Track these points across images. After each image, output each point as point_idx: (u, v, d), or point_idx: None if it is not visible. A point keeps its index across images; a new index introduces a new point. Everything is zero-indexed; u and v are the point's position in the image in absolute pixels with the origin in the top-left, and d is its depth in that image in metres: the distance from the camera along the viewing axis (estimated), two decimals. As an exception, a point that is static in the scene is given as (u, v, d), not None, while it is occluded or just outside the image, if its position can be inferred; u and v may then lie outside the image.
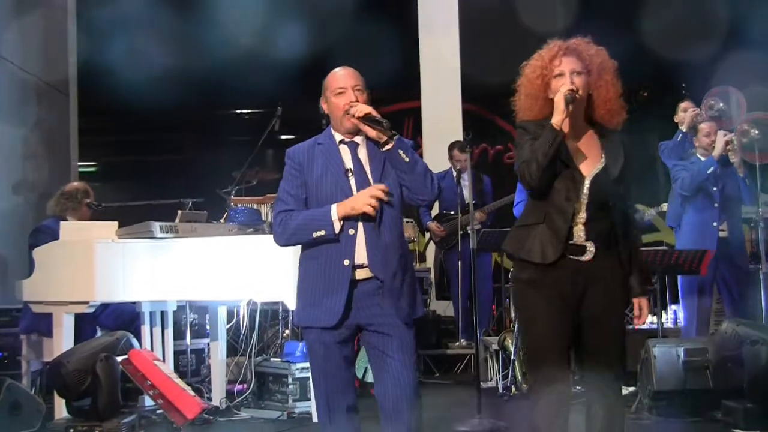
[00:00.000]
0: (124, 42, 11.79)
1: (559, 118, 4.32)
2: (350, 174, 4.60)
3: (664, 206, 9.35)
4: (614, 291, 4.46)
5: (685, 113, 8.60)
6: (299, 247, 4.66)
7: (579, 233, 4.41)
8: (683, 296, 8.30)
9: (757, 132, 8.13)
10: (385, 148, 4.52)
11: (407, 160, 4.51)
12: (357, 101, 4.59)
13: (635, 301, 4.56)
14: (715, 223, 8.03)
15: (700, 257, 7.61)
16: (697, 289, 8.10)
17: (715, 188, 8.04)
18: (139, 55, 11.91)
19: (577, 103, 4.37)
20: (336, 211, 4.47)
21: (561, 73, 4.44)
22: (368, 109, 4.54)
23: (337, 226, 4.47)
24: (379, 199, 4.45)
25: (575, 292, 4.41)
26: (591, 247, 4.40)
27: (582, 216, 4.40)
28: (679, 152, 8.48)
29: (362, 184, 4.56)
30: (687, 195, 8.13)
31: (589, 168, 4.44)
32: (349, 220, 4.49)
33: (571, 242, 4.40)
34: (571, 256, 4.40)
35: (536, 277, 4.42)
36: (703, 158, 8.14)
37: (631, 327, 8.77)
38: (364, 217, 4.48)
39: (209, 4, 11.83)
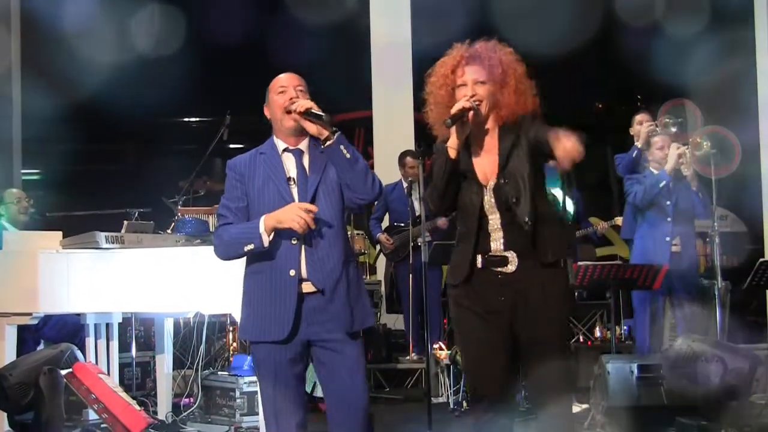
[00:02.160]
0: (68, 48, 11.60)
1: (453, 142, 4.25)
2: (292, 183, 4.56)
3: (618, 220, 9.35)
4: (549, 308, 4.32)
5: (640, 126, 8.59)
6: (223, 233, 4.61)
7: (496, 243, 4.32)
8: (636, 311, 8.28)
9: (709, 145, 8.11)
10: (326, 145, 4.47)
11: (348, 156, 4.45)
12: (298, 98, 4.55)
13: (550, 136, 4.22)
14: (667, 238, 8.02)
15: (654, 272, 7.58)
16: (650, 304, 8.07)
17: (668, 202, 8.03)
18: (84, 61, 11.73)
19: (479, 114, 4.31)
20: (264, 223, 4.42)
21: (464, 83, 4.35)
22: (309, 104, 4.49)
23: (266, 239, 4.43)
24: (310, 212, 4.39)
25: (505, 306, 4.30)
26: (512, 257, 4.30)
27: (496, 226, 4.32)
28: (634, 167, 8.46)
29: (304, 192, 4.54)
30: (640, 208, 8.11)
31: (491, 175, 4.35)
32: (286, 230, 4.43)
33: (489, 254, 4.31)
34: (493, 268, 4.31)
35: (461, 294, 4.35)
36: (656, 171, 8.12)
37: (584, 343, 8.83)
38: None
39: (156, 10, 11.68)
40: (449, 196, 4.30)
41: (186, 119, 14.44)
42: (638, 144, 8.56)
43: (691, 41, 11.08)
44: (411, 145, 10.56)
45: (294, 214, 4.36)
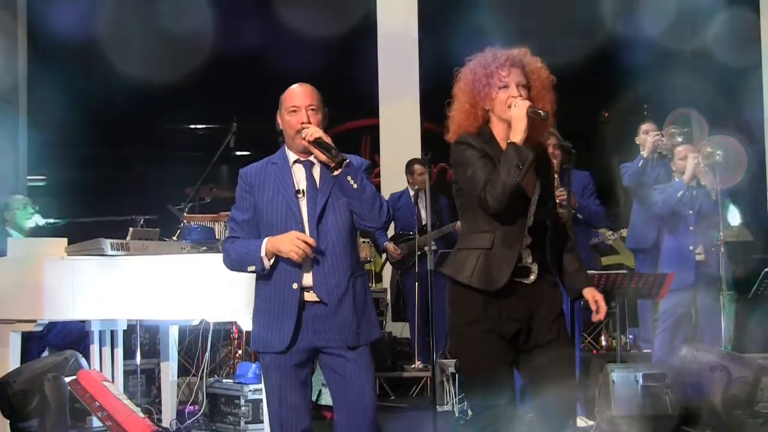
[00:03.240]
0: (75, 54, 11.62)
1: (521, 137, 4.19)
2: (300, 195, 4.61)
3: (624, 232, 9.35)
4: (557, 315, 4.40)
5: (646, 135, 8.59)
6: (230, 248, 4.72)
7: (526, 255, 4.33)
8: (662, 321, 8.24)
9: (721, 154, 8.10)
10: (333, 174, 4.53)
11: (355, 187, 4.52)
12: (309, 122, 4.59)
13: (588, 293, 4.47)
14: (691, 247, 8.01)
15: (660, 281, 7.56)
16: (674, 315, 8.05)
17: (690, 211, 8.04)
18: (91, 67, 11.75)
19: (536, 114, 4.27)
20: (265, 247, 4.50)
21: (506, 85, 4.32)
22: (318, 133, 4.54)
23: (266, 263, 4.52)
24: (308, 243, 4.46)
25: (521, 317, 4.33)
26: (535, 268, 4.34)
27: (527, 238, 4.33)
28: (639, 177, 8.46)
29: (313, 205, 4.59)
30: (663, 217, 8.11)
31: (531, 190, 4.35)
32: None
33: (519, 264, 4.31)
34: (516, 278, 4.31)
35: (479, 302, 4.30)
36: (678, 180, 8.12)
37: (590, 352, 8.81)
38: (309, 229, 4.54)
39: (164, 16, 11.68)
40: (512, 195, 4.21)
41: (192, 126, 14.43)
42: (644, 153, 8.56)
43: (698, 51, 11.08)
44: (417, 153, 10.58)
45: (292, 245, 4.45)
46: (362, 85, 11.83)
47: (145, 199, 10.27)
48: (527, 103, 4.22)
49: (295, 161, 4.69)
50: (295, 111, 4.63)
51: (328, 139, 4.53)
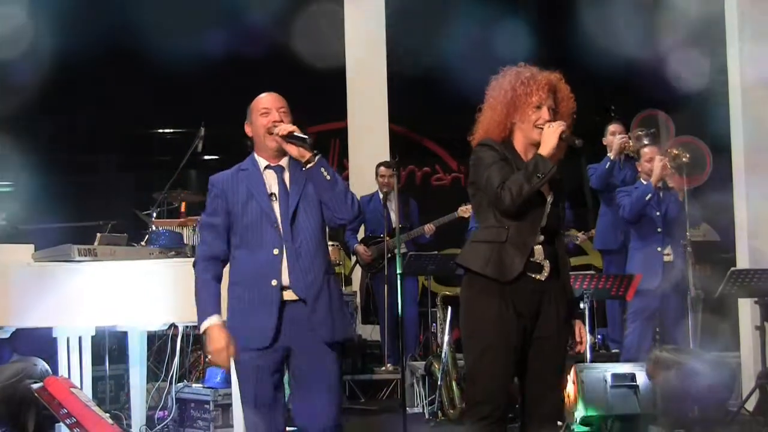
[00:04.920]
0: (41, 58, 11.54)
1: (548, 152, 4.37)
2: (274, 199, 4.68)
3: (593, 232, 9.40)
4: (564, 312, 4.52)
5: (613, 136, 8.64)
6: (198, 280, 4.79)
7: (538, 252, 4.47)
8: (631, 321, 8.29)
9: (687, 156, 8.17)
10: (307, 167, 4.61)
11: (329, 177, 4.61)
12: (281, 121, 4.67)
13: (577, 324, 4.67)
14: (659, 248, 8.08)
15: (627, 282, 7.61)
16: (642, 315, 8.11)
17: (657, 213, 8.10)
18: (57, 71, 11.67)
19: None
20: (208, 324, 4.59)
21: (539, 106, 4.47)
22: (291, 127, 4.62)
23: (202, 329, 4.63)
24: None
25: (531, 312, 4.44)
26: (547, 266, 4.47)
27: (540, 237, 4.47)
28: (607, 179, 8.50)
29: (285, 207, 4.67)
30: (630, 222, 8.17)
31: (547, 194, 4.52)
32: (271, 240, 4.63)
33: (531, 259, 4.44)
34: (529, 273, 4.43)
35: (493, 293, 4.43)
36: (645, 182, 8.17)
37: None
38: (285, 238, 4.61)
39: (134, 17, 11.64)
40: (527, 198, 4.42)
41: (160, 131, 14.39)
42: (611, 155, 8.61)
43: (664, 52, 11.13)
44: (386, 156, 10.58)
45: (224, 358, 4.56)
46: (330, 89, 11.82)
47: (112, 204, 10.25)
48: (563, 125, 4.39)
49: (266, 167, 4.75)
50: (266, 113, 4.71)
51: (301, 133, 4.61)
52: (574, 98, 4.60)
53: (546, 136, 4.39)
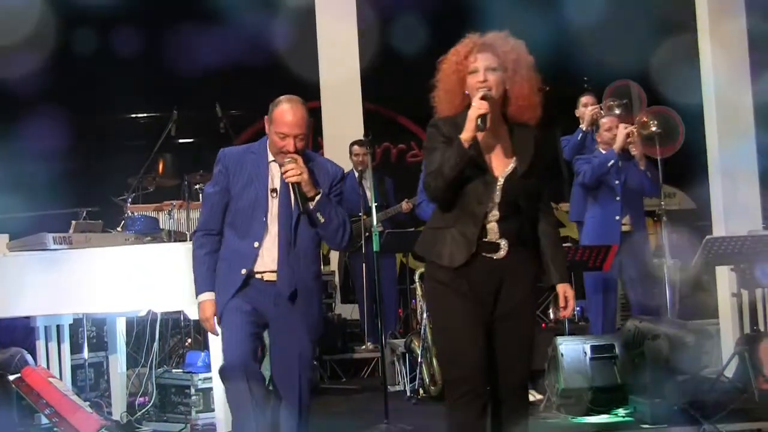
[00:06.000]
0: (14, 45, 11.46)
1: (468, 136, 4.25)
2: (275, 195, 4.91)
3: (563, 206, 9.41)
4: (527, 288, 4.47)
5: (585, 108, 8.64)
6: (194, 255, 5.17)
7: (492, 231, 4.39)
8: (589, 293, 8.33)
9: (656, 124, 8.18)
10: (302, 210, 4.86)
11: (322, 221, 4.88)
12: (294, 152, 4.83)
13: (560, 288, 4.54)
14: (617, 217, 8.10)
15: (604, 253, 7.62)
16: (602, 286, 8.13)
17: (617, 181, 8.11)
18: (26, 56, 11.59)
19: (491, 100, 4.31)
20: (199, 300, 5.09)
21: (475, 70, 4.37)
22: (296, 179, 4.80)
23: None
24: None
25: (490, 290, 4.40)
26: (504, 244, 4.38)
27: (495, 214, 4.38)
28: (580, 149, 8.50)
29: (285, 206, 4.90)
30: (589, 187, 8.17)
31: (501, 168, 4.41)
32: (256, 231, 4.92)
33: (484, 239, 4.38)
34: (485, 254, 4.37)
35: (450, 277, 4.39)
36: (604, 152, 8.17)
37: (538, 325, 8.86)
38: (282, 231, 4.91)
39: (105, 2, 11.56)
40: (454, 185, 4.33)
41: (133, 115, 14.31)
42: (583, 126, 8.61)
43: (634, 23, 11.14)
44: (360, 135, 10.54)
45: (207, 323, 5.08)
46: (302, 68, 11.77)
47: (87, 190, 10.19)
48: (482, 106, 4.25)
49: (273, 160, 4.95)
50: (283, 137, 4.84)
51: (306, 186, 4.82)
52: (521, 50, 4.44)
53: (468, 117, 4.28)
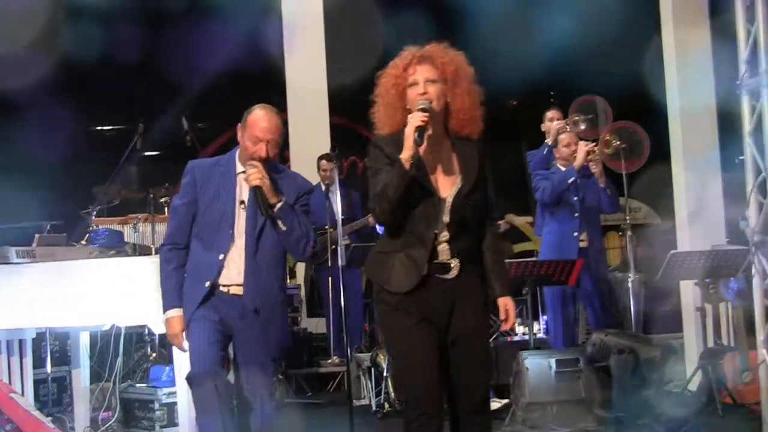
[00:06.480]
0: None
1: (408, 154, 4.16)
2: (243, 207, 4.92)
3: (513, 218, 9.46)
4: (480, 306, 4.44)
5: (551, 122, 8.67)
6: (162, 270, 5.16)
7: (443, 252, 4.32)
8: (549, 308, 8.38)
9: (619, 142, 8.23)
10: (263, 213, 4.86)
11: (284, 229, 4.87)
12: (263, 157, 4.87)
13: (500, 302, 4.48)
14: (575, 233, 8.13)
15: (569, 268, 7.65)
16: (560, 301, 8.16)
17: (575, 198, 8.14)
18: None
19: (434, 113, 4.24)
20: (166, 317, 5.07)
21: (415, 82, 4.30)
22: (258, 182, 4.81)
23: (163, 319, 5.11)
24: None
25: (443, 311, 4.34)
26: (455, 263, 4.32)
27: (445, 235, 4.31)
28: (546, 164, 8.53)
29: (252, 218, 4.90)
30: (548, 205, 8.20)
31: (448, 188, 4.34)
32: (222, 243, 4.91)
33: (435, 261, 4.31)
34: (437, 275, 4.31)
35: (399, 300, 4.32)
36: (563, 168, 8.20)
37: (504, 339, 8.89)
38: (248, 250, 4.92)
39: (72, 16, 11.52)
40: (401, 206, 4.23)
41: (99, 128, 14.24)
42: (549, 141, 8.64)
43: (602, 38, 11.20)
44: (327, 148, 10.53)
45: (174, 339, 5.09)
46: (269, 81, 11.77)
47: (51, 204, 10.12)
48: (419, 118, 4.17)
49: (242, 172, 4.95)
50: (256, 141, 4.87)
51: (266, 190, 4.83)
52: (459, 61, 4.37)
53: (405, 137, 4.18)
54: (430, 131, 4.21)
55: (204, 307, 4.92)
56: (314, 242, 5.05)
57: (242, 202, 4.92)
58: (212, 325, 4.91)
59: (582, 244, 8.14)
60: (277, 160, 5.07)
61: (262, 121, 4.90)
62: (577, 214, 8.15)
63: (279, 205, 4.85)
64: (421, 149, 4.19)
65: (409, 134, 4.15)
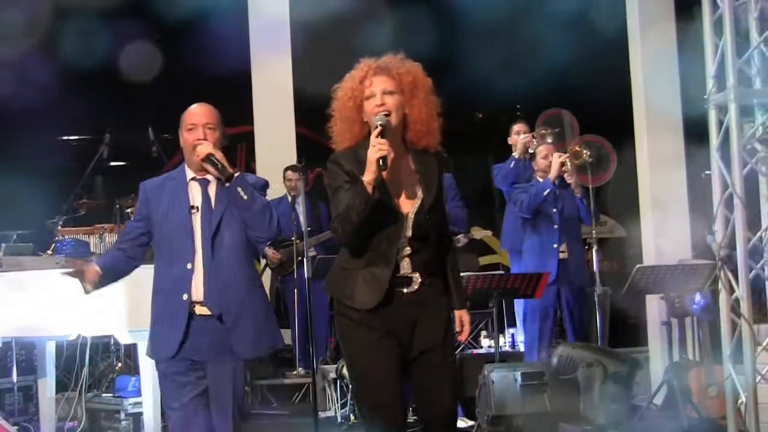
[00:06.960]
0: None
1: (370, 177, 4.11)
2: (195, 211, 4.82)
3: (477, 231, 9.48)
4: (443, 319, 4.42)
5: (518, 136, 8.70)
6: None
7: (405, 266, 4.30)
8: (525, 320, 8.38)
9: (588, 153, 8.27)
10: (225, 185, 4.73)
11: (245, 198, 4.71)
12: (205, 139, 4.77)
13: (457, 314, 4.50)
14: (555, 245, 8.15)
15: (536, 281, 7.67)
16: (540, 314, 8.16)
17: (554, 209, 8.17)
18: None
19: (392, 125, 4.22)
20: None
21: (372, 94, 4.27)
22: (208, 150, 4.74)
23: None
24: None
25: (406, 325, 4.31)
26: (416, 277, 4.31)
27: (407, 250, 4.29)
28: (512, 178, 8.56)
29: (208, 221, 4.80)
30: (527, 217, 8.23)
31: (410, 204, 4.32)
32: (185, 253, 4.81)
33: (396, 275, 4.28)
34: (398, 289, 4.29)
35: (361, 315, 4.29)
36: (541, 180, 8.23)
37: (469, 352, 8.91)
38: (205, 252, 4.78)
39: (39, 20, 11.46)
40: (364, 227, 4.18)
41: (65, 137, 14.16)
42: (516, 154, 8.67)
43: (568, 51, 11.26)
44: (293, 159, 10.53)
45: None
46: (236, 92, 11.74)
47: (17, 213, 10.05)
48: (382, 148, 4.09)
49: (192, 178, 4.88)
50: (192, 128, 4.81)
51: (219, 155, 4.74)
52: (416, 72, 4.33)
53: (368, 163, 4.12)
54: (392, 154, 4.13)
55: (175, 361, 4.78)
56: (278, 218, 4.87)
57: (194, 207, 4.83)
58: (190, 388, 4.82)
59: (562, 256, 8.16)
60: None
61: (194, 109, 4.88)
62: (556, 226, 8.16)
63: (237, 174, 4.75)
64: (384, 173, 4.15)
65: (372, 161, 4.09)
